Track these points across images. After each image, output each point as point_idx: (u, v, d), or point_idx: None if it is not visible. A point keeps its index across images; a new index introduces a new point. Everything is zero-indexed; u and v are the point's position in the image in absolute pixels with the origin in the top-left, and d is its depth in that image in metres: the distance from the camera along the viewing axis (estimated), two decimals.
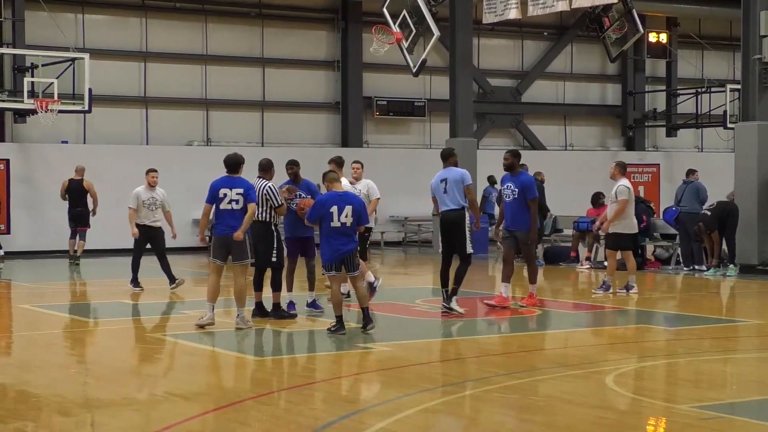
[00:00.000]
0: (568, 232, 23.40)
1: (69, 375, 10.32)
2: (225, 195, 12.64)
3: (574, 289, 18.91)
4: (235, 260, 12.74)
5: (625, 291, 16.54)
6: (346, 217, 12.15)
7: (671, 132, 33.93)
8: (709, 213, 19.87)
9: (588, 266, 21.33)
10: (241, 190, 12.67)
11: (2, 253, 23.28)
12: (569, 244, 22.84)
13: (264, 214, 13.26)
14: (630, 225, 16.74)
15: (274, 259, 13.40)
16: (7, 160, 25.16)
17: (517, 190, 14.57)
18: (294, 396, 9.25)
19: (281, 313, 13.49)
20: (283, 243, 13.76)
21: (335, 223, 12.14)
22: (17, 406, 8.91)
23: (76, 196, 22.24)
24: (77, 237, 22.35)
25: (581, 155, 32.80)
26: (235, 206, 12.64)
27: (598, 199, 22.58)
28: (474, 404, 8.89)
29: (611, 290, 16.59)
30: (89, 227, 22.51)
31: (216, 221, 12.78)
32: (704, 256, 20.38)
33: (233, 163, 12.91)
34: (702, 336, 12.98)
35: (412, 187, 26.60)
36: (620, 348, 11.94)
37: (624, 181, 16.69)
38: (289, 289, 13.99)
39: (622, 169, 16.90)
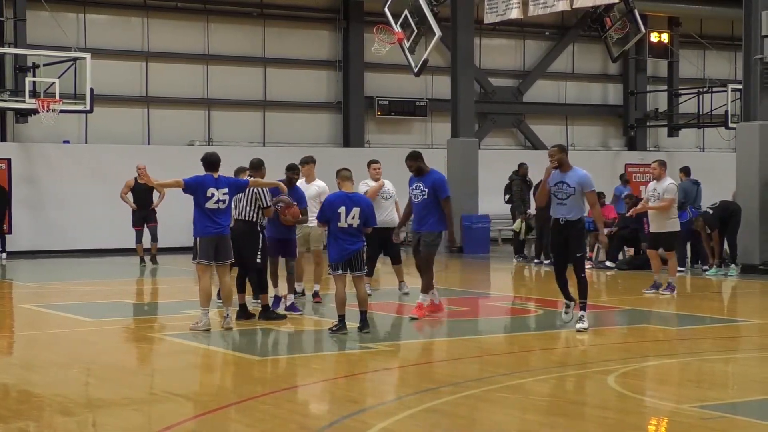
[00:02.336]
0: None
1: (71, 375, 10.32)
2: (213, 194, 12.51)
3: (574, 289, 18.85)
4: (220, 260, 12.66)
5: (669, 291, 16.44)
6: (353, 218, 12.15)
7: (673, 132, 33.93)
8: (711, 212, 19.85)
9: (589, 266, 21.27)
10: (226, 190, 12.62)
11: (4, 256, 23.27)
12: None
13: (251, 214, 13.18)
14: (675, 223, 16.69)
15: (258, 260, 13.29)
16: (9, 160, 25.17)
17: (426, 189, 13.66)
18: (296, 396, 9.25)
19: (270, 314, 13.36)
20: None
21: (342, 224, 12.14)
22: (19, 406, 8.91)
23: (145, 195, 21.52)
24: (149, 238, 21.54)
25: (583, 155, 32.69)
26: (222, 206, 12.57)
27: (599, 199, 22.49)
28: (475, 404, 8.89)
29: (662, 288, 16.50)
30: (157, 224, 21.76)
31: (202, 221, 12.52)
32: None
33: (216, 162, 12.80)
34: (704, 336, 12.98)
35: None
36: (622, 348, 11.94)
37: (671, 180, 16.81)
38: (275, 286, 14.10)
39: (664, 167, 16.94)
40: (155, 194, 21.39)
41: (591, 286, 18.92)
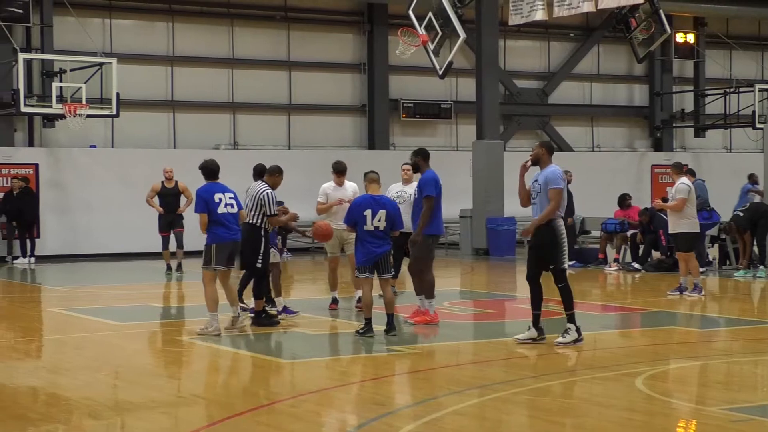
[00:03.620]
0: (596, 233, 23.31)
1: (99, 378, 10.36)
2: (220, 200, 12.52)
3: (602, 290, 18.83)
4: (230, 266, 12.72)
5: (696, 293, 16.34)
6: (379, 221, 12.16)
7: (699, 132, 33.77)
8: (741, 214, 19.76)
9: (616, 268, 21.24)
10: (232, 194, 12.66)
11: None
12: (597, 246, 22.76)
13: (255, 218, 13.09)
14: (691, 224, 16.57)
15: (259, 265, 13.16)
16: (37, 165, 25.33)
17: (416, 189, 13.47)
18: (322, 398, 9.25)
19: (262, 320, 13.23)
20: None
21: (368, 227, 12.15)
22: (48, 410, 8.96)
23: (172, 200, 20.74)
24: (175, 244, 20.78)
25: (608, 156, 32.70)
26: (231, 209, 12.59)
27: (624, 201, 22.46)
28: (503, 407, 8.87)
29: (696, 291, 16.39)
30: (184, 229, 20.87)
31: (216, 227, 12.50)
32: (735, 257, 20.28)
33: (216, 170, 12.81)
34: (733, 338, 12.91)
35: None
36: (649, 350, 11.88)
37: (684, 179, 16.67)
38: (279, 294, 14.02)
39: (677, 169, 16.87)
40: (182, 199, 20.76)
41: (618, 288, 18.95)
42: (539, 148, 11.85)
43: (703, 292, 16.42)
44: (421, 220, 13.08)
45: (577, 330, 11.67)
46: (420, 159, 13.55)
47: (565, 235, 11.57)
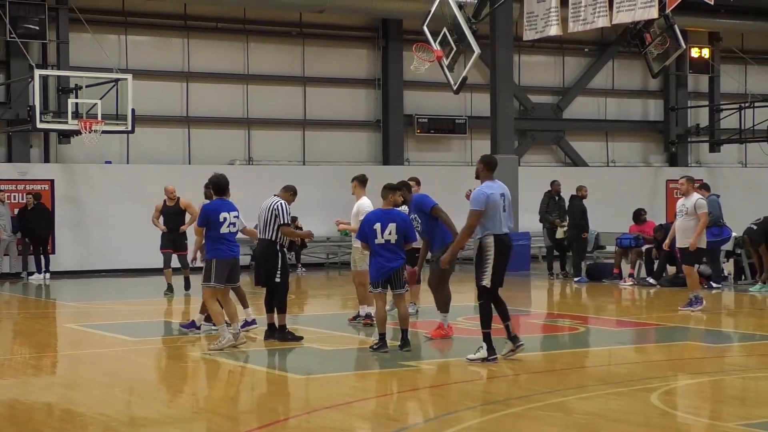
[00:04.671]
0: (611, 248, 23.27)
1: (113, 394, 10.37)
2: (225, 219, 12.52)
3: (617, 306, 18.78)
4: (233, 282, 12.80)
5: (698, 305, 16.24)
6: (390, 234, 12.12)
7: (714, 147, 33.68)
8: (755, 227, 19.69)
9: (631, 283, 21.18)
10: (236, 213, 12.68)
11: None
12: (612, 261, 22.71)
13: (271, 233, 13.11)
14: (702, 240, 16.56)
15: (278, 280, 13.16)
16: (52, 181, 25.43)
17: (413, 216, 13.27)
18: (336, 414, 9.24)
19: (286, 335, 13.23)
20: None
21: (379, 240, 12.14)
22: (63, 425, 8.97)
23: (174, 218, 19.95)
24: (179, 264, 19.90)
25: (623, 171, 32.64)
26: (233, 228, 12.63)
27: (640, 216, 22.41)
28: (517, 422, 8.84)
29: (698, 303, 16.34)
30: (188, 252, 19.51)
31: (218, 244, 12.49)
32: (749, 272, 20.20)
33: (226, 185, 12.81)
34: (749, 353, 12.84)
35: (453, 204, 26.28)
36: (665, 365, 11.83)
37: (698, 195, 16.76)
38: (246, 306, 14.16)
39: (693, 183, 16.88)
40: (187, 216, 19.84)
41: (633, 303, 18.89)
42: (478, 163, 11.87)
43: (703, 303, 16.30)
44: (450, 230, 12.96)
45: (489, 349, 11.48)
46: (405, 192, 13.61)
47: (491, 253, 11.38)
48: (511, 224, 11.79)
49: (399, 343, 12.29)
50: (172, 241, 19.88)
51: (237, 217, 12.71)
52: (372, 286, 12.33)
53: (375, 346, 12.23)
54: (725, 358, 12.52)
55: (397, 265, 12.19)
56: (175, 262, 19.79)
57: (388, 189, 12.56)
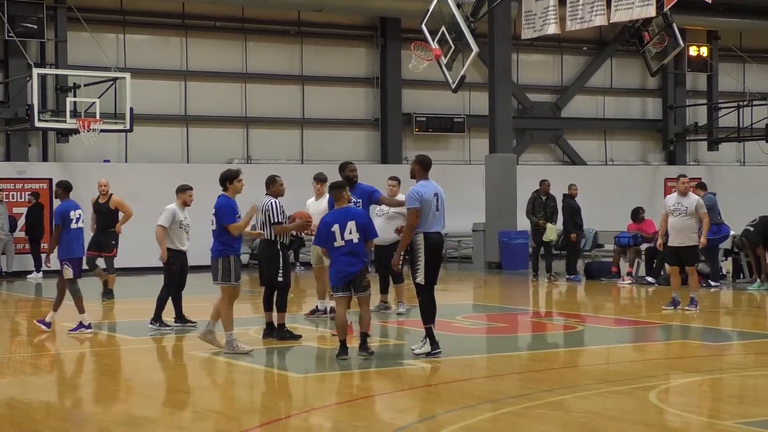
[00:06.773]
0: (609, 247, 23.27)
1: (111, 393, 10.38)
2: (238, 216, 12.51)
3: (615, 304, 18.79)
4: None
5: (693, 307, 16.19)
6: (351, 233, 11.57)
7: (713, 146, 33.69)
8: (752, 228, 19.70)
9: (629, 281, 21.20)
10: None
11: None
12: (610, 259, 22.72)
13: (270, 233, 13.14)
14: (696, 238, 16.54)
15: (280, 279, 13.17)
16: (50, 180, 25.40)
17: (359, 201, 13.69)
18: (335, 413, 9.25)
19: (284, 334, 13.23)
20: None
21: (339, 243, 11.53)
22: (62, 424, 8.98)
23: (104, 218, 18.50)
24: (104, 267, 18.70)
25: (622, 170, 32.65)
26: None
27: (638, 214, 22.41)
28: (515, 421, 8.85)
29: (681, 305, 16.28)
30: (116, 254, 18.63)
31: (233, 239, 12.37)
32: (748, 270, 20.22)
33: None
34: (746, 351, 12.86)
35: (451, 202, 26.36)
36: (663, 363, 11.85)
37: (696, 195, 16.93)
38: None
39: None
40: (120, 215, 18.53)
41: (631, 302, 18.91)
42: (413, 163, 11.97)
43: (698, 306, 16.25)
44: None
45: (432, 344, 11.73)
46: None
47: (422, 251, 11.55)
48: (444, 224, 11.98)
49: (359, 347, 11.79)
50: (98, 243, 18.34)
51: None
52: (333, 290, 11.81)
53: (336, 353, 11.71)
54: (723, 356, 12.53)
55: (357, 270, 11.57)
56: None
57: (338, 188, 11.95)
